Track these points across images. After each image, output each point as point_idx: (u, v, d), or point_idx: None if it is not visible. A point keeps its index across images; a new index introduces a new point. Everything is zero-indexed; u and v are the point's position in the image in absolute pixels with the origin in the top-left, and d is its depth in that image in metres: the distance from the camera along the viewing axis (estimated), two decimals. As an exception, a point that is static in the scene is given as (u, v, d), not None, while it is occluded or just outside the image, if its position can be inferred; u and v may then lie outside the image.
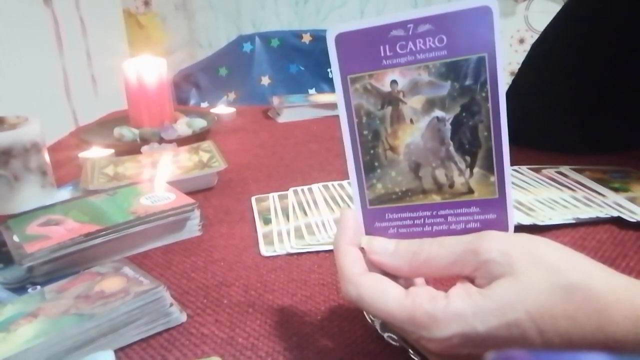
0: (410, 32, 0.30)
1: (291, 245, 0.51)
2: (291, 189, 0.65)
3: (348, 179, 0.33)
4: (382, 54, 0.30)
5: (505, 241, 0.28)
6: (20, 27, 0.95)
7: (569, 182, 0.59)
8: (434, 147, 0.31)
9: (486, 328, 0.26)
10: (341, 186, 0.64)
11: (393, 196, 0.32)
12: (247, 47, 1.92)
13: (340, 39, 0.31)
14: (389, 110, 0.31)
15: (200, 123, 0.95)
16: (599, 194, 0.56)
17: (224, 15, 1.97)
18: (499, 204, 0.31)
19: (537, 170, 0.63)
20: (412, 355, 0.34)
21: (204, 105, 1.86)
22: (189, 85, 1.93)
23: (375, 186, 0.32)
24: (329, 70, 1.91)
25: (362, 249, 0.33)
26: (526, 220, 0.50)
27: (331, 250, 0.50)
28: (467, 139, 0.30)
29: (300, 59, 1.92)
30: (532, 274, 0.27)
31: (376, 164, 0.32)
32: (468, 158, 0.31)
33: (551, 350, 0.26)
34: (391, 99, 0.31)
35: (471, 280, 0.29)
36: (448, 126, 0.31)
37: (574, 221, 0.51)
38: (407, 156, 0.32)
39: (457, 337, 0.27)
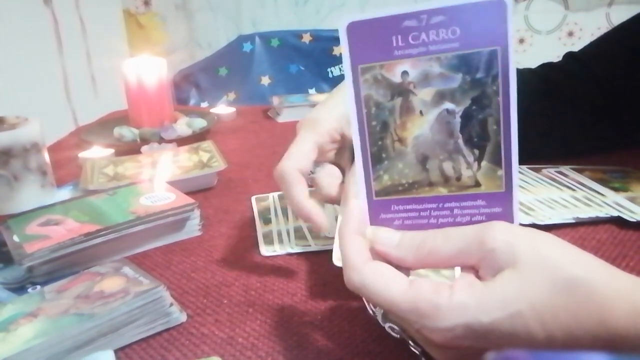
0: (423, 23, 0.29)
1: (291, 246, 0.51)
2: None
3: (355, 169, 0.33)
4: (394, 45, 0.30)
5: (510, 232, 0.28)
6: (20, 27, 0.95)
7: (569, 182, 0.59)
8: (442, 140, 0.31)
9: (490, 320, 0.26)
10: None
11: (399, 188, 0.32)
12: (247, 47, 1.91)
13: (352, 28, 0.30)
14: (398, 101, 0.31)
15: (200, 123, 0.95)
16: (599, 193, 0.56)
17: (224, 15, 1.97)
18: (506, 197, 0.31)
19: (537, 170, 0.63)
20: (412, 348, 0.34)
21: (204, 105, 1.86)
22: (189, 85, 1.92)
23: (382, 177, 0.32)
24: (329, 70, 1.91)
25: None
26: (526, 220, 0.50)
27: (331, 251, 0.49)
28: (477, 132, 0.30)
29: (300, 59, 1.92)
30: (536, 266, 0.27)
31: (384, 155, 0.32)
32: (476, 151, 0.31)
33: (554, 346, 0.26)
34: (401, 90, 0.31)
35: (475, 272, 0.29)
36: (458, 119, 0.30)
37: (573, 221, 0.51)
38: (415, 148, 0.31)
39: (460, 328, 0.27)
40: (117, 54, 1.38)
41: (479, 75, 0.29)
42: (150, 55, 0.96)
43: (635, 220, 0.50)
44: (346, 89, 0.32)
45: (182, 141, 0.87)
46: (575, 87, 0.68)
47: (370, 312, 0.38)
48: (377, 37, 0.30)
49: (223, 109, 1.11)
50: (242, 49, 1.92)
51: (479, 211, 0.31)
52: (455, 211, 0.32)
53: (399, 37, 0.30)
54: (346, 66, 0.31)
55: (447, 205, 0.32)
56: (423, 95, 0.31)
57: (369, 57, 0.31)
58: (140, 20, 1.87)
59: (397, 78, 0.31)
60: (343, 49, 0.31)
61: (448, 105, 0.30)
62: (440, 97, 0.30)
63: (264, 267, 0.49)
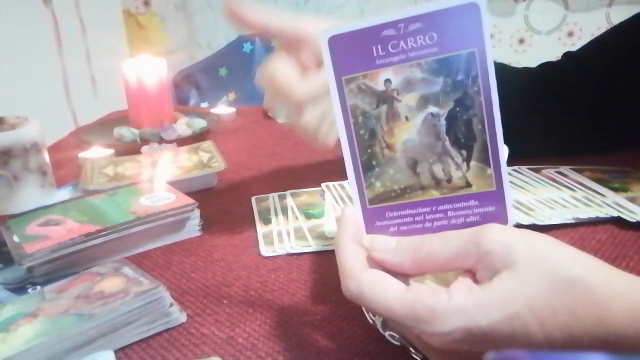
0: (401, 31, 0.30)
1: (291, 246, 0.51)
2: (288, 192, 0.65)
3: (347, 179, 0.33)
4: (375, 54, 0.31)
5: (506, 233, 0.28)
6: (20, 27, 0.95)
7: (568, 182, 0.59)
8: (430, 143, 0.32)
9: (489, 322, 0.26)
10: (342, 186, 0.64)
11: (392, 194, 0.32)
12: (247, 47, 1.92)
13: (333, 41, 0.31)
14: (384, 108, 0.32)
15: (200, 123, 0.95)
16: (599, 193, 0.56)
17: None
18: (497, 195, 0.31)
19: (537, 170, 0.63)
20: (413, 355, 0.34)
21: (204, 105, 1.86)
22: (189, 86, 1.93)
23: (374, 185, 0.33)
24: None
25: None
26: (525, 220, 0.50)
27: (331, 251, 0.49)
28: (462, 133, 0.31)
29: (300, 59, 1.92)
30: (532, 266, 0.27)
31: (374, 162, 0.32)
32: (464, 152, 0.31)
33: (553, 346, 0.26)
34: (386, 98, 0.31)
35: (473, 275, 0.29)
36: (443, 121, 0.31)
37: (573, 221, 0.51)
38: (404, 153, 0.32)
39: (459, 332, 0.27)
40: (117, 54, 1.38)
41: (460, 77, 0.30)
42: (150, 55, 0.96)
43: (635, 221, 0.50)
44: (332, 101, 0.32)
45: (182, 141, 0.87)
46: (574, 87, 0.68)
47: (370, 320, 0.38)
48: (357, 48, 0.31)
49: (223, 109, 1.11)
50: (242, 49, 1.92)
51: (472, 211, 0.32)
52: (449, 213, 0.32)
53: (379, 46, 0.31)
54: (330, 78, 0.32)
55: (440, 208, 0.32)
56: (407, 100, 0.31)
57: (352, 67, 0.31)
58: (140, 20, 1.87)
59: (380, 86, 0.31)
60: (325, 62, 0.31)
61: (432, 108, 0.31)
62: (424, 101, 0.31)
63: (264, 267, 0.49)
